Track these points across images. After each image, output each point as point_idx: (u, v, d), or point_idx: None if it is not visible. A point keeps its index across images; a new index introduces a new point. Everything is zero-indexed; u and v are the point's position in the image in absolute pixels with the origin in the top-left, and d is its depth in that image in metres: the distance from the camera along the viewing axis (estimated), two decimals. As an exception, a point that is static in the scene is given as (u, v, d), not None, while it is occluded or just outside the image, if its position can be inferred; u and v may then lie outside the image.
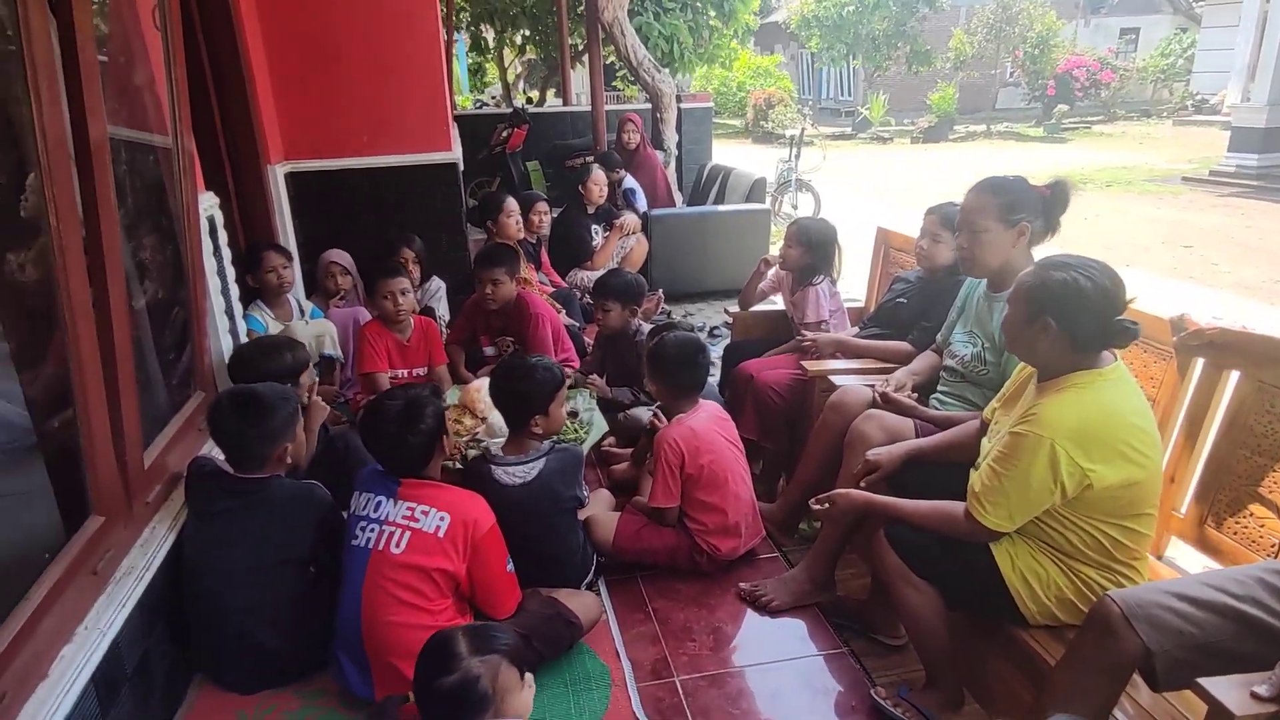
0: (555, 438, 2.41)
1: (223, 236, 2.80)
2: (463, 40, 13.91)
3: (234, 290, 2.88)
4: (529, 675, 1.53)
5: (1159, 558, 2.07)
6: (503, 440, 2.45)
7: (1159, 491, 1.76)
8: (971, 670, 1.97)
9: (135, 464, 1.91)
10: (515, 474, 2.25)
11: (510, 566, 2.04)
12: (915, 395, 2.44)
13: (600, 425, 3.00)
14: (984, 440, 1.94)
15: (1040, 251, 2.24)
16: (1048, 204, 2.18)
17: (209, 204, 2.69)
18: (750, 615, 2.37)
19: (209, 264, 2.59)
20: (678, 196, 6.78)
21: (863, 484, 2.12)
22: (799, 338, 3.04)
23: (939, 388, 2.44)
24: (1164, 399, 2.07)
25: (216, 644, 1.97)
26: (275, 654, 1.96)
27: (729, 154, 12.87)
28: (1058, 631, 1.78)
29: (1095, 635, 1.48)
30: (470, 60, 15.41)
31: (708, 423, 2.51)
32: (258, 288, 3.20)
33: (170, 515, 2.04)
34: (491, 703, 1.41)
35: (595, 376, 3.35)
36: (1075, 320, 1.65)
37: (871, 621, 2.25)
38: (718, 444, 2.48)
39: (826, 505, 2.05)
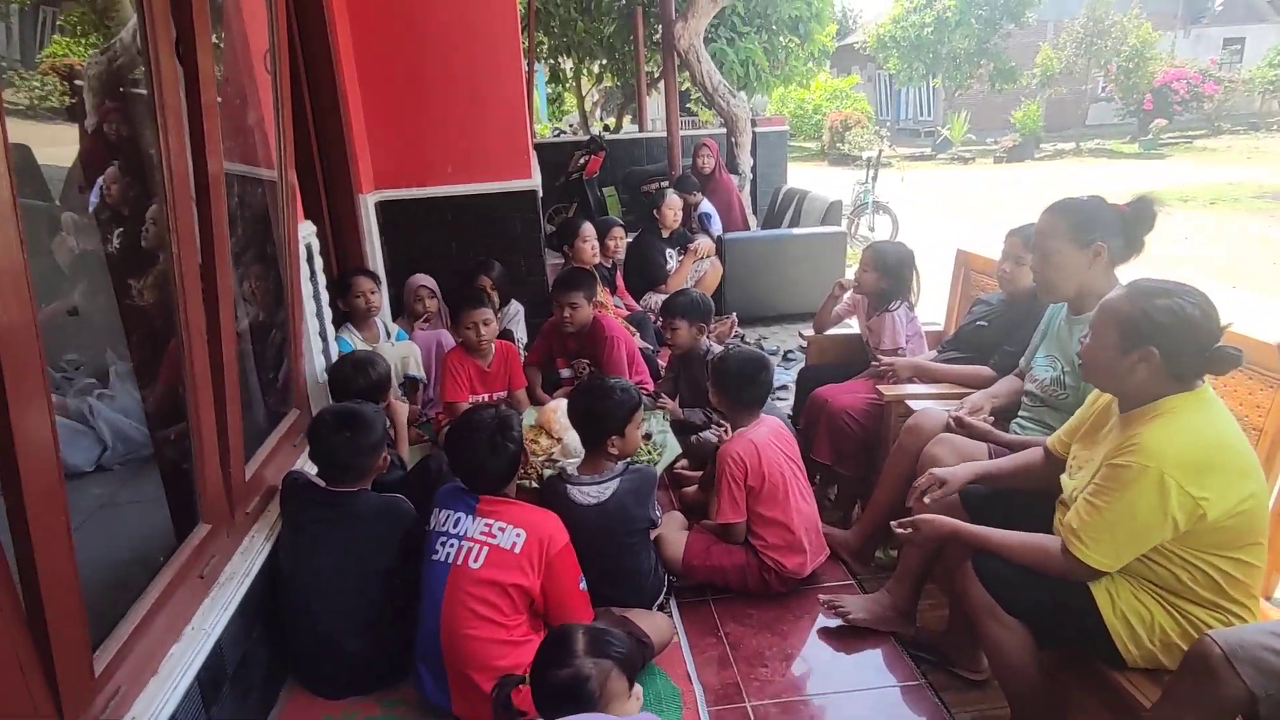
0: (629, 459, 2.45)
1: (318, 263, 2.97)
2: (542, 71, 14.33)
3: (327, 314, 3.05)
4: (638, 688, 1.56)
5: (1268, 599, 1.94)
6: (578, 460, 2.50)
7: (1267, 517, 1.66)
8: (1059, 710, 1.89)
9: (238, 476, 2.05)
10: (590, 493, 2.29)
11: (583, 584, 2.08)
12: (993, 420, 2.37)
13: (673, 448, 3.01)
14: (1065, 477, 1.86)
15: (1127, 272, 2.16)
16: (1127, 223, 2.09)
17: (307, 232, 2.86)
18: (824, 644, 2.33)
19: (306, 289, 2.76)
20: (752, 220, 6.79)
21: (928, 499, 2.04)
22: (875, 364, 3.00)
23: (1020, 413, 2.37)
24: (1272, 428, 1.95)
25: (306, 649, 2.08)
26: (360, 661, 2.05)
27: (805, 177, 12.81)
28: (1156, 674, 1.68)
29: (1194, 677, 1.41)
30: (549, 90, 15.87)
31: (768, 436, 2.51)
32: (348, 311, 3.38)
33: (267, 525, 2.16)
34: (596, 704, 1.45)
35: (667, 398, 3.37)
36: (1180, 349, 1.58)
37: (950, 654, 2.18)
38: (777, 458, 2.48)
39: (909, 529, 1.99)
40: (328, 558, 2.05)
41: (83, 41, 2.60)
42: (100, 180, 2.73)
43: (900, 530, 2.02)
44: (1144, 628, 1.66)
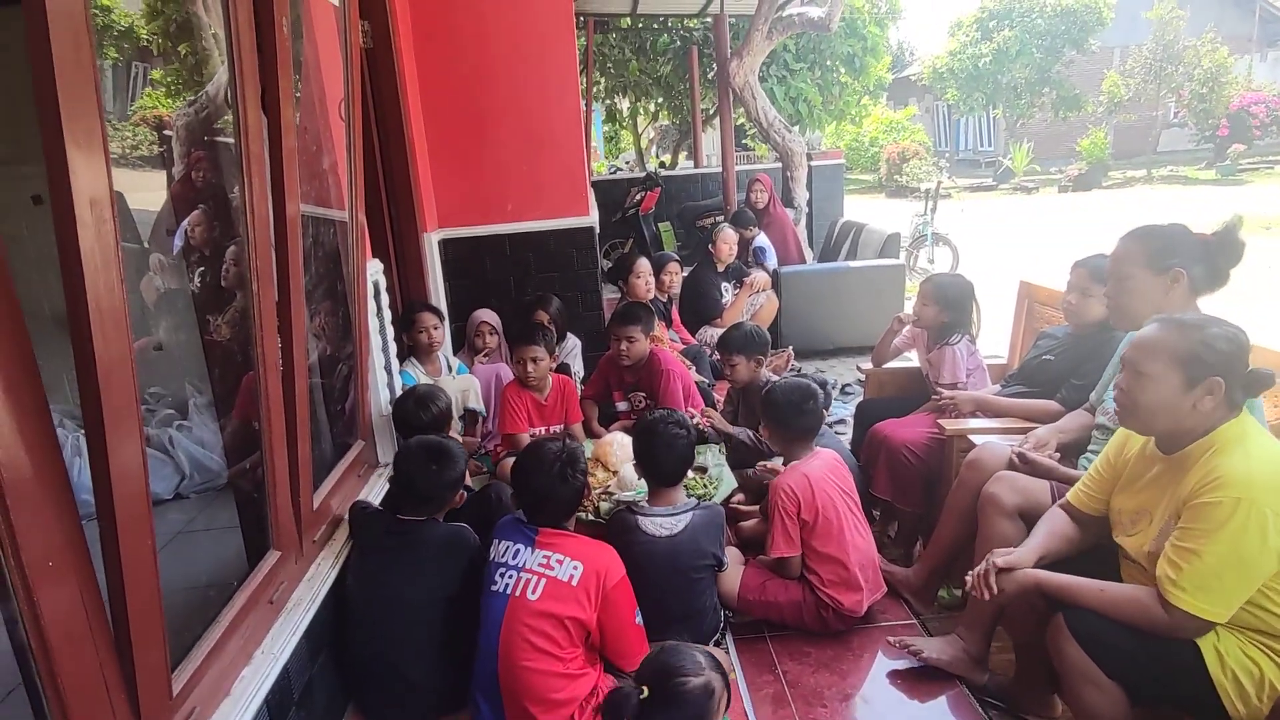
0: (699, 495, 2.46)
1: (385, 299, 3.09)
2: (599, 111, 14.67)
3: (392, 348, 3.15)
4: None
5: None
6: (633, 494, 2.51)
7: None
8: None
9: (307, 505, 2.12)
10: (663, 525, 2.30)
11: (639, 619, 2.07)
12: (1059, 455, 2.29)
13: (729, 481, 3.00)
14: (1121, 537, 1.79)
15: (1208, 304, 2.08)
16: (1210, 251, 2.02)
17: (375, 270, 2.98)
18: (887, 686, 2.26)
19: (372, 324, 2.86)
20: (808, 253, 6.77)
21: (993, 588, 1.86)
22: (936, 398, 2.94)
23: (1090, 447, 2.29)
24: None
25: (369, 676, 2.12)
26: (421, 690, 2.08)
27: (862, 209, 12.72)
28: (1259, 729, 1.58)
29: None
30: (606, 128, 16.22)
31: (822, 469, 2.48)
32: (412, 345, 3.48)
33: (333, 553, 2.23)
34: (712, 716, 1.55)
35: (710, 410, 3.35)
36: (1238, 375, 1.57)
37: (1021, 700, 2.09)
38: (831, 491, 2.44)
39: (985, 590, 1.84)
40: (395, 585, 2.09)
41: (175, 97, 2.79)
42: (185, 224, 2.91)
43: (974, 592, 1.87)
44: (1253, 684, 1.57)
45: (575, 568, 1.97)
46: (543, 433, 3.30)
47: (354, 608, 2.13)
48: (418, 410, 2.71)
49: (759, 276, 5.39)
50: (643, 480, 2.53)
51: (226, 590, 1.78)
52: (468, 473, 2.83)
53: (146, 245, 3.31)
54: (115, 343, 1.17)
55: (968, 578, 1.92)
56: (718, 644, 2.36)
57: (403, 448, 2.29)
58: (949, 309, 3.01)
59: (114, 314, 1.16)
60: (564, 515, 2.11)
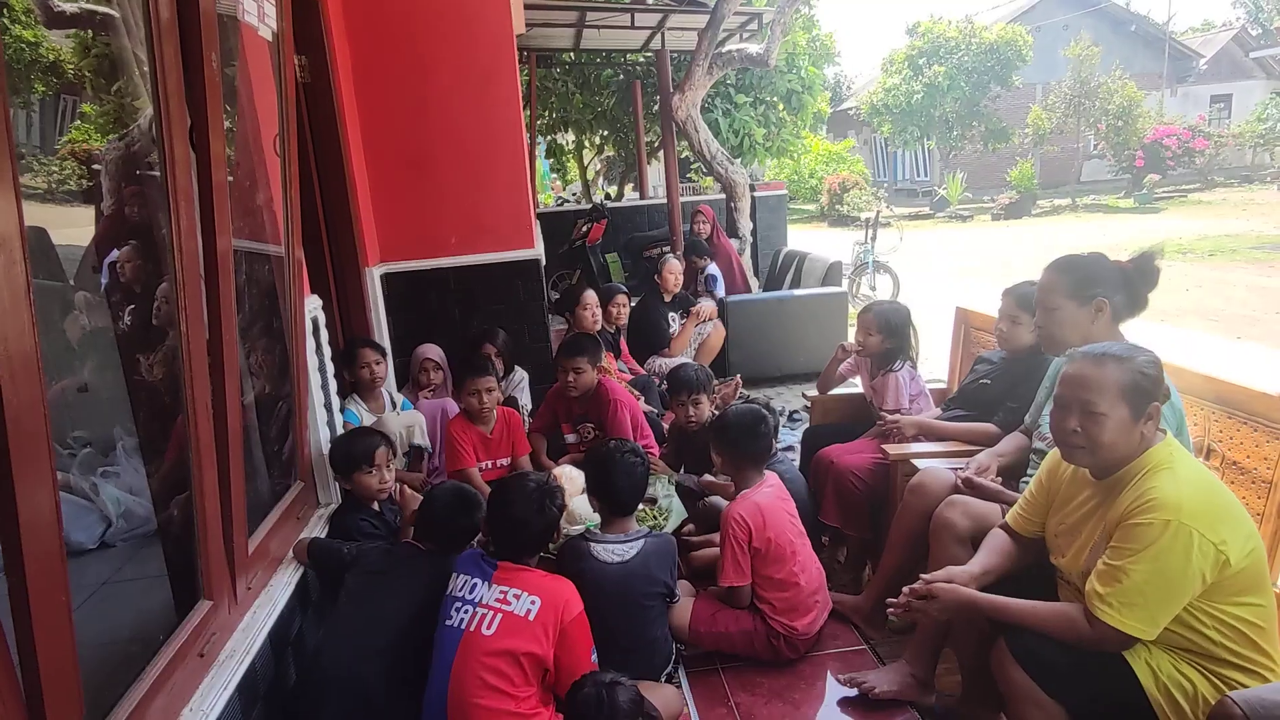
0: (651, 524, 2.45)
1: (324, 335, 3.02)
2: (542, 144, 14.75)
3: (333, 385, 3.08)
4: None
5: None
6: (582, 526, 2.48)
7: (1265, 555, 1.65)
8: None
9: (241, 550, 2.03)
10: (615, 552, 2.28)
11: (594, 657, 2.04)
12: (1000, 479, 2.35)
13: (679, 511, 2.99)
14: (1054, 558, 1.86)
15: (1129, 328, 2.17)
16: (1129, 279, 2.12)
17: (314, 306, 2.91)
18: (839, 713, 2.26)
19: (311, 361, 2.79)
20: (754, 282, 6.88)
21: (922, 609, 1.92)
22: (881, 423, 2.99)
23: (1028, 470, 2.35)
24: (1280, 480, 1.93)
25: (327, 699, 2.00)
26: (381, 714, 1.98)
27: (804, 239, 12.99)
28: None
29: (1219, 741, 1.36)
30: (551, 161, 16.30)
31: (771, 498, 2.49)
32: (354, 382, 3.40)
33: (270, 600, 2.14)
34: None
35: (658, 461, 3.34)
36: (1162, 398, 1.65)
37: (968, 718, 2.11)
38: (781, 518, 2.45)
39: (916, 607, 1.88)
40: (389, 608, 2.09)
41: (106, 131, 2.71)
42: (112, 259, 2.81)
43: (899, 610, 1.92)
44: (1187, 700, 1.61)
45: (533, 602, 1.93)
46: (490, 466, 3.25)
47: (339, 623, 2.10)
48: (351, 444, 2.64)
49: (705, 305, 5.44)
50: (595, 514, 2.51)
51: (153, 644, 1.69)
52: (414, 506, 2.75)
53: (72, 283, 3.18)
54: (25, 387, 1.11)
55: (902, 598, 1.93)
56: (670, 677, 2.33)
57: (433, 496, 2.31)
58: (890, 336, 3.08)
59: (23, 357, 1.11)
60: (535, 547, 2.10)
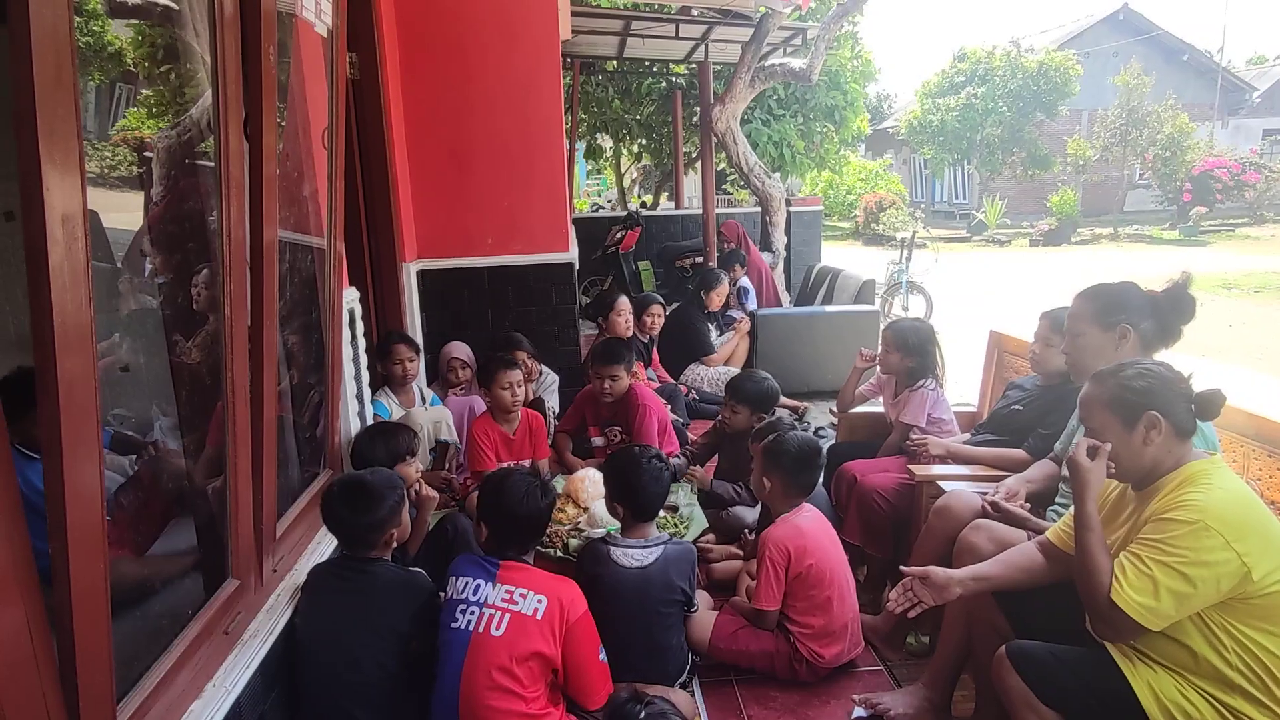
0: (672, 530, 2.44)
1: (360, 327, 3.07)
2: (581, 148, 14.86)
3: (365, 377, 3.13)
4: None
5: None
6: (603, 530, 2.49)
7: None
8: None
9: (269, 533, 2.07)
10: (635, 557, 2.28)
11: (603, 656, 2.04)
12: (1029, 505, 2.32)
13: (700, 521, 2.99)
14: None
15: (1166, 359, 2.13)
16: (1159, 308, 2.10)
17: (351, 298, 2.97)
18: (852, 733, 2.24)
19: (346, 352, 2.84)
20: (785, 297, 6.87)
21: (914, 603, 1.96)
22: (909, 442, 2.96)
23: (1056, 499, 2.32)
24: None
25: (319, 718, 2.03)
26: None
27: (838, 256, 12.92)
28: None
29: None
30: (588, 165, 16.41)
31: (814, 522, 2.47)
32: (386, 375, 3.46)
33: (294, 584, 2.17)
34: None
35: (697, 467, 3.35)
36: (1171, 404, 1.66)
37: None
38: (823, 544, 2.43)
39: (904, 601, 1.92)
40: (341, 626, 2.00)
41: (158, 119, 2.79)
42: (155, 244, 2.89)
43: (895, 605, 1.94)
44: None
45: (539, 601, 1.94)
46: (512, 466, 3.28)
47: (302, 648, 2.03)
48: (373, 444, 2.62)
49: (745, 321, 5.52)
50: (614, 519, 2.51)
51: (181, 619, 1.73)
52: (431, 506, 2.76)
53: (120, 264, 3.27)
54: (79, 360, 1.15)
55: (892, 594, 1.97)
56: (684, 686, 2.33)
57: (324, 488, 2.21)
58: (911, 354, 3.06)
59: (79, 330, 1.15)
60: (530, 540, 2.09)
